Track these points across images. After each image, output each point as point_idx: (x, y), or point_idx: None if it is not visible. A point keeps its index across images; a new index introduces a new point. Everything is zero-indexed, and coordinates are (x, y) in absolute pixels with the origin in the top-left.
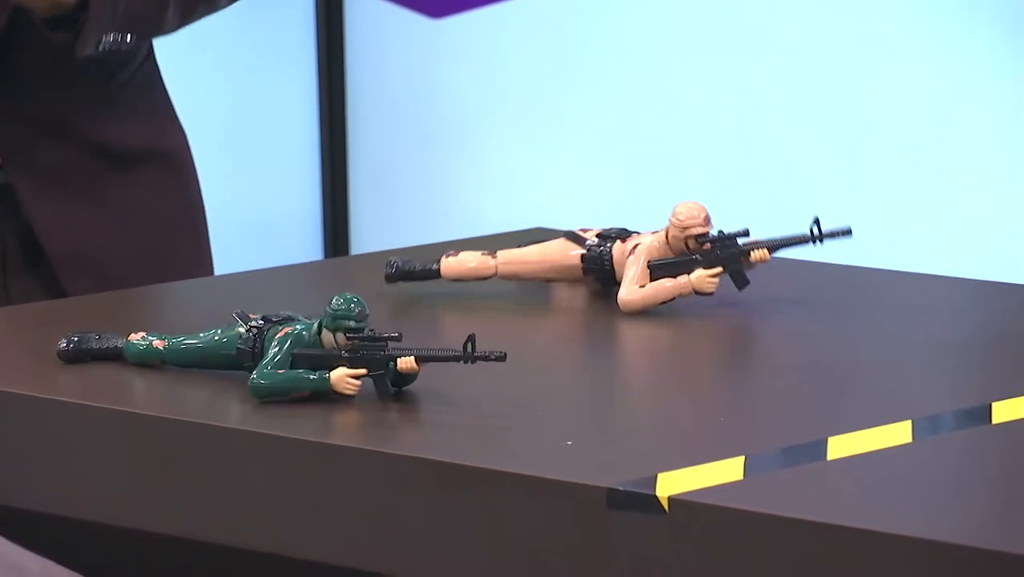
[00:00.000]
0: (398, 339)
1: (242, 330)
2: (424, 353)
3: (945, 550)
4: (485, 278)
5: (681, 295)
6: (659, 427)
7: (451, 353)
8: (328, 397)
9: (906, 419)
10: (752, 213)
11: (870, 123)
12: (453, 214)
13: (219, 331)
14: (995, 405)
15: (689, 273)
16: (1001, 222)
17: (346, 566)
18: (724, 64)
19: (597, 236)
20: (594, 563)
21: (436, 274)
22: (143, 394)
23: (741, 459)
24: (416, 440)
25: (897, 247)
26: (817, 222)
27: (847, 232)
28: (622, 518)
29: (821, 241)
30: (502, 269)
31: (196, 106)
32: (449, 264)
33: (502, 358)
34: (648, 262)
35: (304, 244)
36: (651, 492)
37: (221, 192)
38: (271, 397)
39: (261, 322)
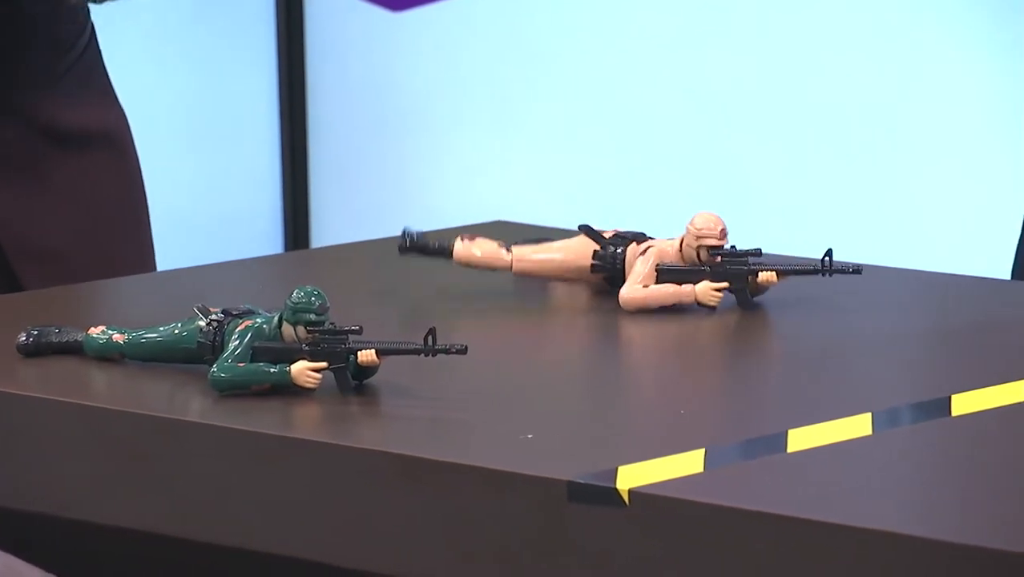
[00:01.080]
0: (359, 332)
1: (202, 324)
2: (385, 346)
3: (903, 542)
4: (495, 270)
5: (681, 301)
6: (620, 420)
7: (412, 346)
8: (289, 390)
9: (866, 412)
10: (715, 208)
11: (834, 116)
12: (414, 207)
13: (179, 325)
14: (955, 397)
15: (695, 283)
16: (972, 216)
17: (307, 559)
18: (689, 58)
19: (613, 236)
20: (554, 556)
21: (450, 253)
22: (103, 388)
23: (701, 452)
24: (376, 433)
25: (870, 241)
26: (829, 254)
27: (857, 270)
28: (582, 511)
29: (830, 275)
30: (517, 267)
31: (156, 98)
32: (462, 248)
33: (463, 351)
34: (657, 265)
35: (265, 237)
36: (611, 485)
37: (181, 185)
38: (231, 390)
39: (221, 315)
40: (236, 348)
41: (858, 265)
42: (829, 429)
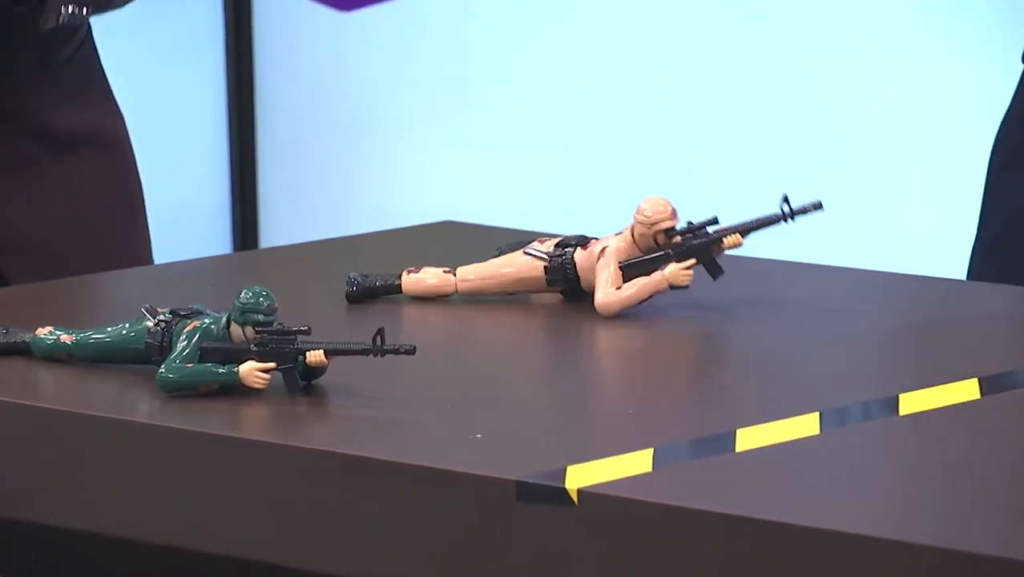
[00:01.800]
0: (307, 333)
1: (150, 324)
2: (333, 347)
3: (850, 541)
4: (447, 295)
5: (658, 292)
6: (570, 420)
7: (360, 346)
8: (237, 391)
9: (814, 411)
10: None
11: (790, 115)
12: (364, 206)
13: (127, 325)
14: (902, 396)
15: (662, 269)
16: (931, 217)
17: (256, 560)
18: (640, 57)
19: (556, 245)
20: (502, 556)
21: (398, 289)
22: (50, 389)
23: (650, 451)
24: (325, 433)
25: (825, 241)
26: (786, 199)
27: (818, 206)
28: (531, 511)
29: (793, 218)
30: (462, 287)
31: None
32: (410, 281)
33: (411, 351)
34: (619, 263)
35: (213, 237)
36: (560, 485)
37: None
38: (179, 391)
39: (169, 316)
40: (184, 349)
41: (816, 201)
42: (777, 429)
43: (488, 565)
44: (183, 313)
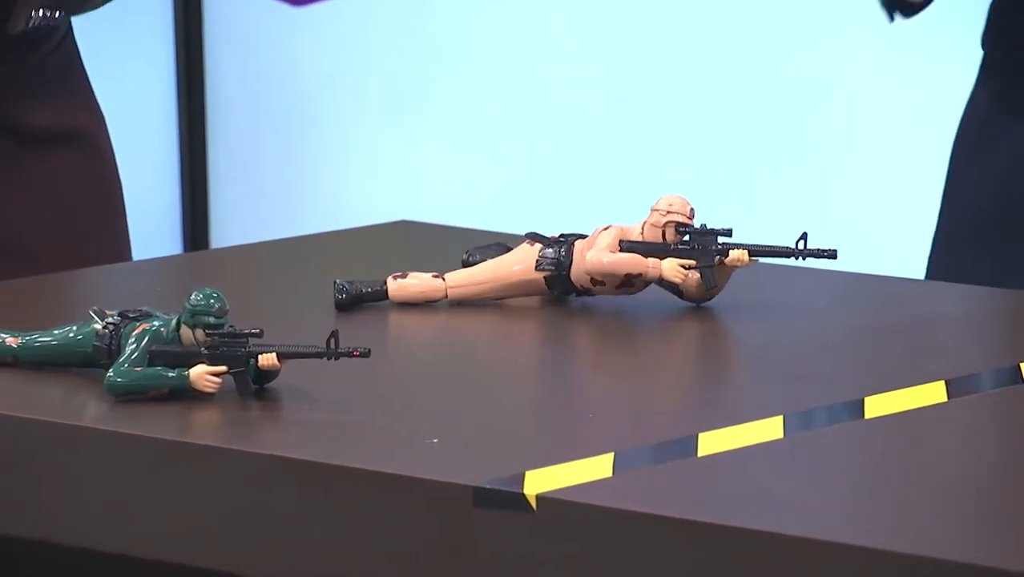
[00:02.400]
0: (259, 335)
1: (98, 327)
2: (286, 349)
3: (813, 546)
4: (436, 301)
5: (646, 274)
6: (528, 424)
7: (314, 349)
8: (187, 395)
9: (778, 415)
10: (618, 212)
11: (749, 113)
12: (318, 206)
13: (74, 328)
14: (868, 400)
15: (661, 259)
16: (896, 217)
17: (206, 568)
18: (597, 56)
19: (558, 236)
20: (459, 563)
21: (384, 295)
22: None
23: (611, 456)
24: (277, 438)
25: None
26: (804, 238)
27: (832, 254)
28: (488, 517)
29: (804, 257)
30: (452, 293)
31: None
32: (396, 286)
33: (366, 354)
34: (621, 241)
35: (162, 237)
36: (518, 490)
37: None
38: (128, 395)
39: (118, 318)
40: (133, 352)
41: (832, 250)
42: (740, 432)
43: (445, 573)
44: (132, 315)
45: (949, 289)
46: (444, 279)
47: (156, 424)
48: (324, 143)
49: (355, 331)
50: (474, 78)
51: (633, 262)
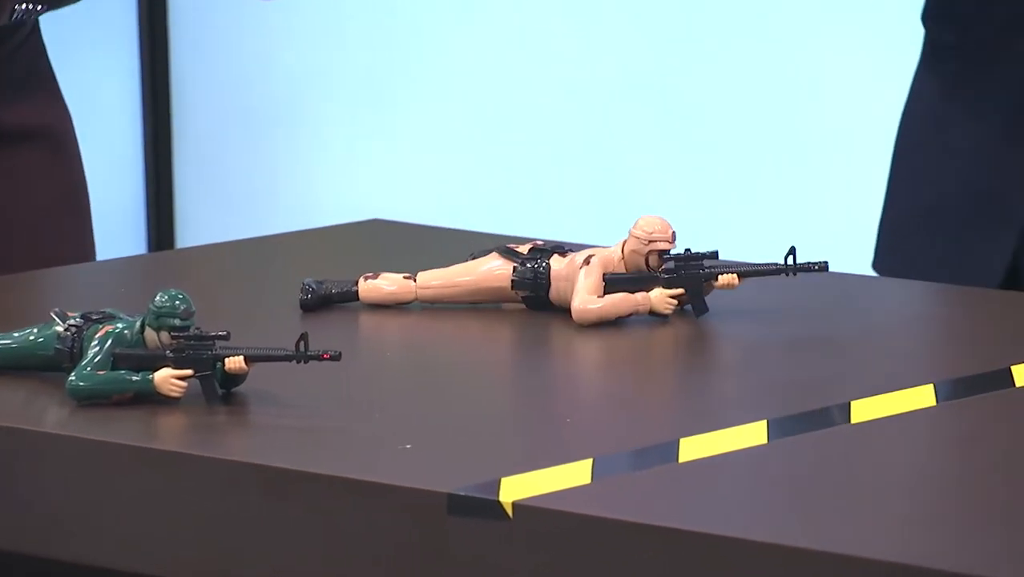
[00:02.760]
0: (226, 338)
1: (60, 329)
2: (254, 352)
3: (796, 555)
4: (408, 303)
5: (638, 312)
6: (505, 430)
7: (282, 352)
8: (152, 399)
9: (762, 419)
10: (592, 212)
11: (716, 113)
12: (286, 205)
13: (35, 330)
14: (854, 404)
15: (648, 291)
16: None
17: None
18: (567, 55)
19: (530, 250)
20: (434, 571)
21: (355, 296)
22: None
23: (589, 462)
24: (245, 444)
25: (762, 242)
26: (793, 252)
27: (823, 267)
28: (463, 524)
29: (795, 273)
30: (422, 294)
31: None
32: (367, 287)
33: (337, 357)
34: (605, 275)
35: (126, 237)
36: (494, 497)
37: None
38: (91, 399)
39: (80, 320)
40: (96, 355)
41: (823, 262)
42: (723, 438)
43: None
44: (95, 317)
45: (938, 290)
46: (415, 280)
47: (120, 429)
48: (293, 140)
49: (325, 333)
50: (448, 74)
51: (622, 305)
